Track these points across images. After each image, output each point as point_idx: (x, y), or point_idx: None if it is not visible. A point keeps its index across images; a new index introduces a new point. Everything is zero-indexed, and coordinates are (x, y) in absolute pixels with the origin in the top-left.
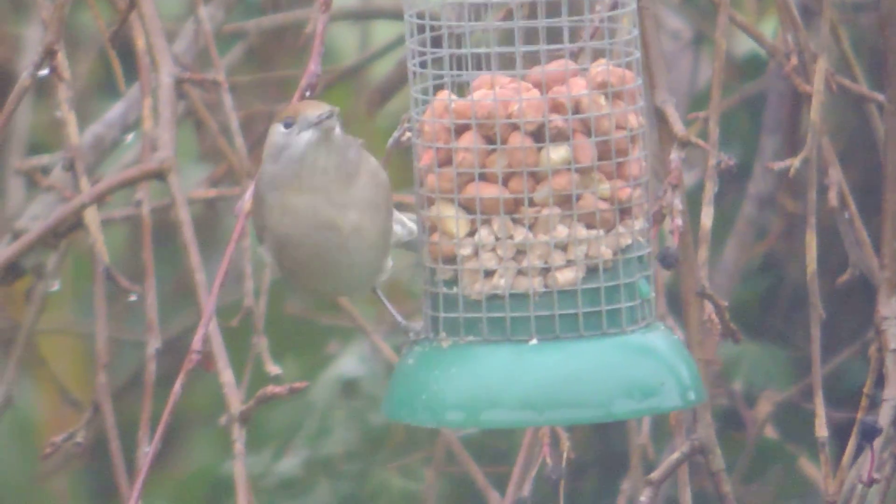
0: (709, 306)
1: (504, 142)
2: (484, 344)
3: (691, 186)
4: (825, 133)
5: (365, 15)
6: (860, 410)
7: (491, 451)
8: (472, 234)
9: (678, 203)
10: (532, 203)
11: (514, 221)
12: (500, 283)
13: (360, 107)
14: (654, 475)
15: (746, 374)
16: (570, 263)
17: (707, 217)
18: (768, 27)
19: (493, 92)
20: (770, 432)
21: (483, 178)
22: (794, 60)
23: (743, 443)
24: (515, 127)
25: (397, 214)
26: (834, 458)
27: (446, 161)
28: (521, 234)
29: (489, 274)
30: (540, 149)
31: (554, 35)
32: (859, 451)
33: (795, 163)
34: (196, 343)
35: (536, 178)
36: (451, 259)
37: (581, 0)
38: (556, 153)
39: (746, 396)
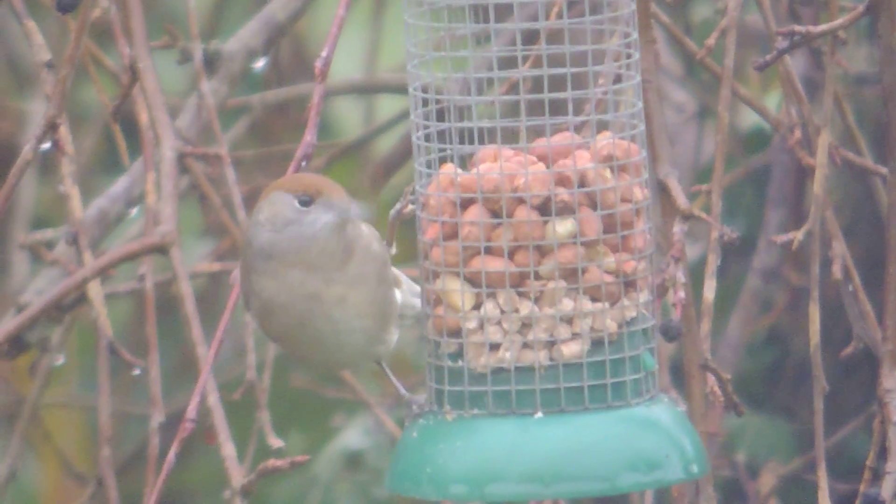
0: (712, 379)
1: (510, 215)
2: (489, 417)
3: (694, 260)
4: (829, 206)
5: (369, 89)
6: (863, 483)
7: None
8: (477, 307)
9: (681, 276)
10: (538, 276)
11: (520, 295)
12: (506, 356)
13: (364, 181)
14: None
15: (749, 445)
16: (575, 336)
17: (710, 290)
18: (772, 101)
19: (498, 165)
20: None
21: (488, 251)
22: (798, 134)
23: None
24: (521, 201)
25: (410, 284)
26: None
27: (451, 235)
28: (526, 308)
29: (494, 347)
30: (546, 222)
31: (558, 108)
32: None
33: (798, 236)
34: (190, 412)
35: (542, 251)
36: (455, 332)
37: (585, 74)
38: (563, 227)
39: (749, 468)
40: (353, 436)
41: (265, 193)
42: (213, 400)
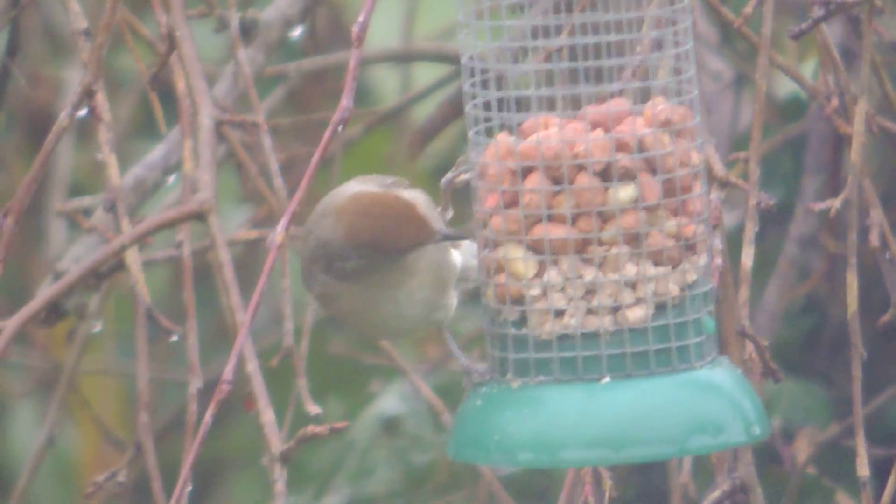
0: (749, 345)
1: (571, 182)
2: (555, 384)
3: (732, 227)
4: (866, 174)
5: (406, 57)
6: None
7: (534, 489)
8: (539, 274)
9: (718, 243)
10: (600, 242)
11: (583, 261)
12: (571, 322)
13: (402, 149)
14: None
15: (786, 411)
16: (639, 301)
17: (747, 257)
18: (809, 69)
19: (558, 133)
20: (809, 469)
21: (550, 218)
22: (835, 102)
23: (783, 479)
24: (581, 167)
25: (470, 246)
26: (873, 496)
27: (511, 203)
28: (590, 274)
29: (559, 314)
30: (607, 188)
31: (612, 75)
32: None
33: (836, 204)
34: (227, 373)
35: (603, 217)
36: (518, 300)
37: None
38: (624, 192)
39: (785, 434)
40: (390, 402)
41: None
42: (252, 367)
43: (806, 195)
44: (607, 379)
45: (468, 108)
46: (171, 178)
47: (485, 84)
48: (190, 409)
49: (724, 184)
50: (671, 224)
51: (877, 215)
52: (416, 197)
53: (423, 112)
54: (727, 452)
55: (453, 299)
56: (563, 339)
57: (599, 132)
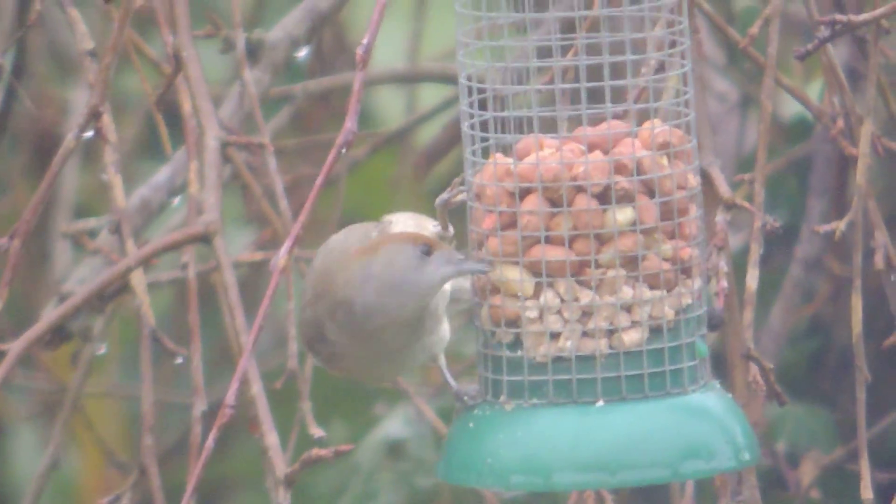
0: (754, 368)
1: (570, 204)
2: (550, 406)
3: (737, 249)
4: (871, 196)
5: (411, 79)
6: None
7: None
8: (535, 296)
9: (723, 265)
10: (597, 265)
11: (580, 283)
12: (567, 345)
13: (407, 170)
14: None
15: (790, 435)
16: (634, 324)
17: (752, 279)
18: (815, 90)
19: (557, 154)
20: (813, 493)
21: (548, 240)
22: (841, 123)
23: (787, 502)
24: (580, 189)
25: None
26: None
27: (508, 224)
28: (587, 296)
29: (554, 336)
30: (605, 210)
31: (598, 98)
32: None
33: (841, 226)
34: (230, 397)
35: (601, 239)
36: (513, 322)
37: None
38: (623, 214)
39: (790, 457)
40: (394, 425)
41: (372, 249)
42: (257, 389)
43: (811, 217)
44: (601, 402)
45: (465, 127)
46: (177, 200)
47: (482, 104)
48: (194, 432)
49: (729, 205)
50: (667, 247)
51: (882, 237)
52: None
53: (429, 133)
54: (732, 475)
55: (447, 328)
56: (558, 361)
57: (598, 154)
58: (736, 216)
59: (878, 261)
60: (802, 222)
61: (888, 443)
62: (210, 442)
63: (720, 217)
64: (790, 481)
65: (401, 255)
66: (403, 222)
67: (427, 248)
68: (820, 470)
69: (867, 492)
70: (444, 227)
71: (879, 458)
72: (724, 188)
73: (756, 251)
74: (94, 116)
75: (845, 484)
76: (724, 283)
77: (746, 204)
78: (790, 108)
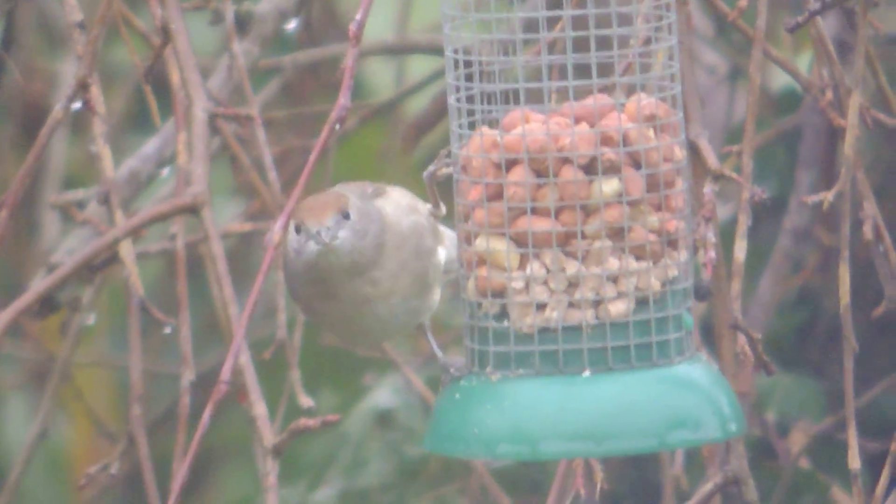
0: (742, 339)
1: (556, 175)
2: (536, 377)
3: (725, 220)
4: (860, 167)
5: (400, 50)
6: (893, 442)
7: (525, 482)
8: (521, 267)
9: (711, 236)
10: (584, 236)
11: (566, 254)
12: (553, 315)
13: (396, 142)
14: None
15: (779, 405)
16: (621, 295)
17: (740, 250)
18: (804, 62)
19: (543, 126)
20: (803, 463)
21: (534, 211)
22: (829, 95)
23: (776, 473)
24: (566, 161)
25: (454, 237)
26: (867, 489)
27: (494, 196)
28: (573, 267)
29: (541, 307)
30: (591, 182)
31: (583, 71)
32: (892, 482)
33: (829, 197)
34: (224, 373)
35: (587, 210)
36: (500, 293)
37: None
38: (609, 186)
39: (779, 427)
40: (383, 395)
41: None
42: (245, 359)
43: (800, 188)
44: (588, 373)
45: (451, 100)
46: (166, 171)
47: (469, 77)
48: (183, 402)
49: (717, 177)
50: (654, 219)
51: (870, 208)
52: (395, 198)
53: (418, 105)
54: (720, 445)
55: (437, 296)
56: (544, 332)
57: (584, 126)
58: (724, 187)
59: (867, 231)
60: (791, 193)
61: (877, 412)
62: (205, 418)
63: (708, 188)
64: (779, 451)
65: (289, 233)
66: (397, 199)
67: (297, 226)
68: (809, 439)
69: (855, 462)
70: (436, 205)
71: (868, 427)
72: (712, 159)
73: (744, 222)
74: (82, 88)
75: (834, 453)
76: (713, 254)
77: (735, 175)
78: (779, 80)
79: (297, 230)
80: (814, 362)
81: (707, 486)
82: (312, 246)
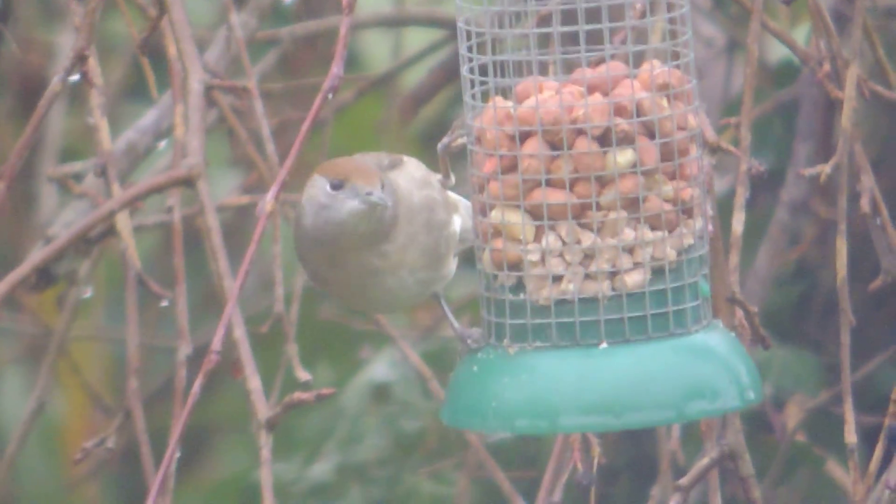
0: (739, 312)
1: (569, 147)
2: (553, 349)
3: (723, 192)
4: (857, 139)
5: (397, 22)
6: (888, 416)
7: (522, 456)
8: (537, 239)
9: (709, 208)
10: (599, 207)
11: (582, 226)
12: (569, 287)
13: (393, 114)
14: (684, 480)
15: (776, 378)
16: (637, 266)
17: (738, 223)
18: (801, 34)
19: (558, 97)
20: (799, 436)
21: (548, 183)
22: (827, 67)
23: (772, 446)
24: (580, 132)
25: (468, 206)
26: (863, 462)
27: (509, 168)
28: (588, 239)
29: (557, 279)
30: (605, 153)
31: (597, 39)
32: (888, 456)
33: (827, 169)
34: (215, 344)
35: (601, 181)
36: (516, 265)
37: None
38: (623, 157)
39: (776, 401)
40: (379, 368)
41: (310, 177)
42: (240, 333)
43: (797, 160)
44: (605, 344)
45: (464, 71)
46: (163, 143)
47: (480, 48)
48: (179, 376)
49: (715, 149)
50: (668, 188)
51: (867, 181)
52: (410, 170)
53: (415, 77)
54: (717, 419)
55: (452, 266)
56: (561, 304)
57: (598, 96)
58: (722, 160)
59: (864, 204)
60: (788, 166)
61: (873, 386)
62: (196, 388)
63: (706, 161)
64: (776, 425)
65: (314, 188)
66: (411, 172)
67: (338, 182)
68: (805, 413)
69: (851, 436)
70: (447, 176)
71: (864, 401)
72: (709, 132)
73: (742, 194)
74: (80, 60)
75: (831, 427)
76: (710, 227)
77: (732, 148)
78: (777, 52)
79: (337, 187)
80: (810, 336)
81: (703, 461)
82: (356, 204)
